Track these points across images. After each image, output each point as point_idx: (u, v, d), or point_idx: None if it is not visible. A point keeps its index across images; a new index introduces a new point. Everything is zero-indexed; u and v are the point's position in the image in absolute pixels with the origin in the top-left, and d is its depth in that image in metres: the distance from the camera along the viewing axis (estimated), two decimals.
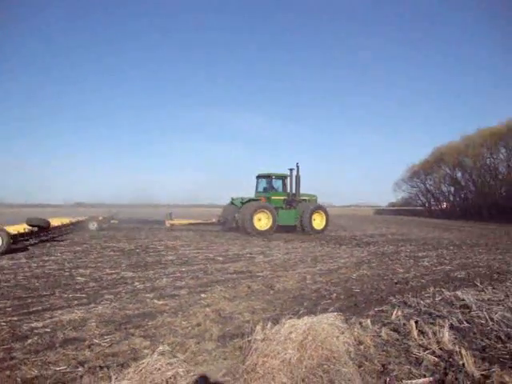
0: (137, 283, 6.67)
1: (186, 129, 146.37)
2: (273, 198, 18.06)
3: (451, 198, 52.25)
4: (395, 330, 4.22)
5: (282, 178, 18.77)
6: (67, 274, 7.46)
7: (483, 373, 3.12)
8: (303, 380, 3.02)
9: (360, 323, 4.39)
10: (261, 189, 19.02)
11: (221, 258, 9.87)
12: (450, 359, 3.41)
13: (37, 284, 6.46)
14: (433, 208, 55.61)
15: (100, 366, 3.26)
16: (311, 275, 7.67)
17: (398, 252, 11.59)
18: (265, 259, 9.88)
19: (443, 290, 6.19)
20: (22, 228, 11.83)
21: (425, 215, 50.96)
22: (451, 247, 12.96)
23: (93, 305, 5.24)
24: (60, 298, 5.63)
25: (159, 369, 3.01)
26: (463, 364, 3.24)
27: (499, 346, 3.76)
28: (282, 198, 18.34)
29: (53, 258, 9.40)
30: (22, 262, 8.64)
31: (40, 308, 5.04)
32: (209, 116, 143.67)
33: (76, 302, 5.41)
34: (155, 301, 5.52)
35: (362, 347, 3.71)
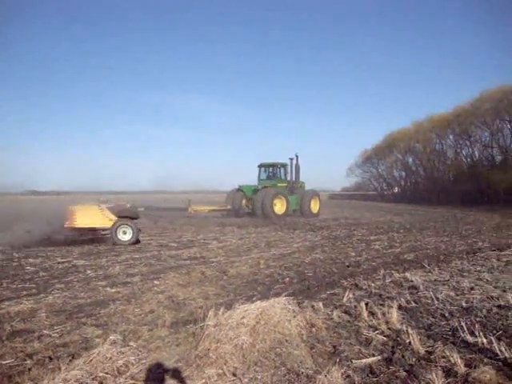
0: (89, 271, 6.58)
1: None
2: (278, 185, 19.51)
3: (402, 183, 54.49)
4: (346, 312, 4.39)
5: (284, 166, 20.28)
6: (16, 264, 7.20)
7: (428, 349, 3.33)
8: (256, 364, 3.08)
9: (312, 306, 4.53)
10: (263, 177, 20.59)
11: (174, 245, 9.86)
12: (398, 338, 3.60)
13: None
14: (385, 193, 57.76)
15: (49, 358, 3.18)
16: (265, 260, 7.78)
17: (351, 236, 12.00)
18: (219, 245, 9.97)
19: (393, 272, 6.49)
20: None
21: (377, 200, 52.83)
22: (401, 231, 13.58)
23: (43, 295, 5.10)
24: (7, 288, 5.44)
25: (110, 358, 3.00)
26: (409, 342, 3.44)
27: (443, 323, 4.01)
28: (285, 185, 19.82)
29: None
30: None
31: None
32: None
33: (25, 292, 5.25)
34: (108, 289, 5.47)
35: (314, 330, 3.83)
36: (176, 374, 2.95)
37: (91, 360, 2.94)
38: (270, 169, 20.65)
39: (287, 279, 6.14)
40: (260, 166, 20.79)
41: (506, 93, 35.09)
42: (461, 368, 2.89)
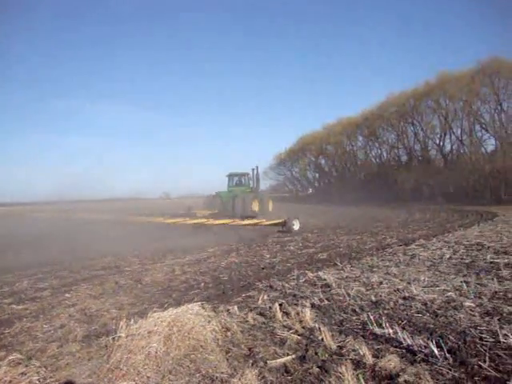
0: None
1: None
2: (246, 191, 23.59)
3: (316, 184, 57.13)
4: (261, 314, 4.49)
5: (247, 175, 24.72)
6: None
7: (339, 344, 3.53)
8: (170, 372, 3.06)
9: (227, 310, 4.58)
10: (232, 184, 24.91)
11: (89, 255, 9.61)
12: (311, 336, 3.77)
13: None
14: (300, 194, 60.07)
15: None
16: (180, 266, 7.76)
17: (266, 238, 12.31)
18: (133, 253, 9.82)
19: (307, 271, 6.76)
20: None
21: (291, 201, 54.72)
22: (316, 231, 14.24)
23: None
24: None
25: (10, 381, 2.81)
26: (322, 339, 3.63)
27: (354, 318, 4.28)
28: (249, 190, 23.79)
29: None
30: None
31: None
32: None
33: None
34: (13, 306, 5.19)
35: (229, 334, 3.87)
36: None
37: None
38: (237, 178, 25.00)
39: (202, 284, 6.13)
40: (229, 176, 24.97)
41: (408, 97, 38.59)
42: (369, 359, 3.12)
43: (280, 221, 14.07)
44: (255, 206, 22.55)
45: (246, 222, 15.00)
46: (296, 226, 14.13)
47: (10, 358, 3.19)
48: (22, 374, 2.90)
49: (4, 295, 5.78)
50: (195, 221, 15.89)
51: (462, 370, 2.95)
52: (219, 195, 24.02)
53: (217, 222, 15.30)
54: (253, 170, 24.08)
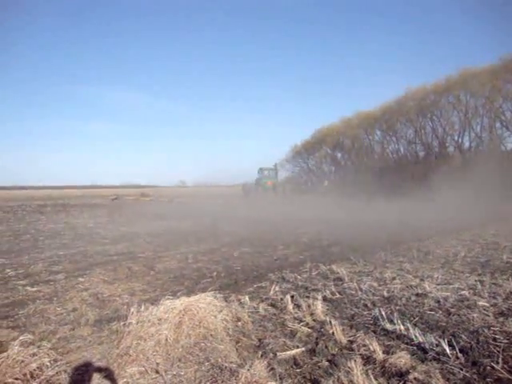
0: (8, 270, 6.32)
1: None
2: (273, 182, 35.95)
3: (332, 177, 56.67)
4: (273, 305, 4.48)
5: (273, 169, 37.35)
6: None
7: (350, 339, 3.50)
8: (179, 360, 3.08)
9: (239, 300, 4.57)
10: (262, 175, 36.92)
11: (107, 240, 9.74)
12: (322, 329, 3.74)
13: None
14: (315, 186, 59.63)
15: None
16: (193, 254, 7.79)
17: (280, 229, 12.25)
18: (147, 239, 9.90)
19: (320, 264, 6.72)
20: None
21: (307, 193, 54.32)
22: (330, 223, 14.08)
23: None
24: None
25: (22, 361, 2.82)
26: (333, 333, 3.59)
27: (365, 313, 4.24)
28: (275, 180, 36.10)
29: None
30: None
31: None
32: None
33: None
34: (28, 288, 5.27)
35: (240, 324, 3.88)
36: (96, 374, 2.85)
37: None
38: (267, 171, 37.14)
39: (215, 273, 6.15)
40: (260, 169, 37.19)
41: (427, 92, 37.84)
42: (379, 355, 3.08)
43: None
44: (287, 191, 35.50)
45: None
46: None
47: (22, 338, 3.22)
48: (33, 354, 2.92)
49: (19, 277, 5.89)
50: None
51: (474, 370, 2.89)
52: (260, 184, 35.81)
53: None
54: (274, 165, 36.72)
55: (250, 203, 28.99)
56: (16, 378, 2.65)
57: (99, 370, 2.91)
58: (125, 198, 35.69)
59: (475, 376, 2.80)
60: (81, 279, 5.74)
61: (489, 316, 4.05)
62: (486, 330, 3.64)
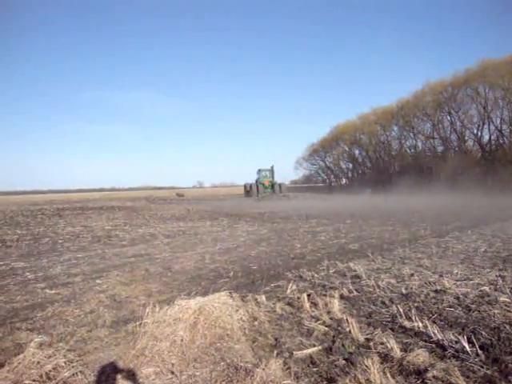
0: (28, 273, 6.42)
1: None
2: (270, 181, 41.20)
3: (350, 175, 56.24)
4: (289, 304, 4.45)
5: (270, 170, 42.00)
6: None
7: (367, 337, 3.45)
8: (195, 360, 3.07)
9: (255, 299, 4.56)
10: (260, 175, 42.41)
11: (124, 242, 9.86)
12: (339, 327, 3.70)
13: None
14: (333, 184, 59.35)
15: None
16: (210, 255, 7.81)
17: (297, 228, 12.20)
18: (164, 240, 9.96)
19: (337, 262, 6.66)
20: None
21: (325, 191, 54.12)
22: (348, 221, 13.98)
23: None
24: None
25: (38, 362, 2.86)
26: (350, 331, 3.55)
27: (383, 310, 4.17)
28: (270, 179, 41.26)
29: None
30: None
31: None
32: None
33: None
34: (47, 290, 5.36)
35: (256, 323, 3.86)
36: (112, 375, 2.86)
37: (16, 367, 2.79)
38: (264, 172, 42.50)
39: (232, 273, 6.14)
40: (258, 170, 42.98)
41: (445, 85, 37.15)
42: (397, 353, 3.02)
43: None
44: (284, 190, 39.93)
45: None
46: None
47: (38, 340, 3.29)
48: (49, 356, 2.96)
49: (38, 280, 5.98)
50: None
51: (495, 367, 2.81)
52: (260, 183, 40.54)
53: None
54: (271, 166, 42.01)
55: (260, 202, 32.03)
56: (33, 380, 2.68)
57: (112, 371, 2.92)
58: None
59: (496, 373, 2.72)
60: (98, 281, 5.81)
61: (510, 312, 3.95)
62: (507, 327, 3.54)
